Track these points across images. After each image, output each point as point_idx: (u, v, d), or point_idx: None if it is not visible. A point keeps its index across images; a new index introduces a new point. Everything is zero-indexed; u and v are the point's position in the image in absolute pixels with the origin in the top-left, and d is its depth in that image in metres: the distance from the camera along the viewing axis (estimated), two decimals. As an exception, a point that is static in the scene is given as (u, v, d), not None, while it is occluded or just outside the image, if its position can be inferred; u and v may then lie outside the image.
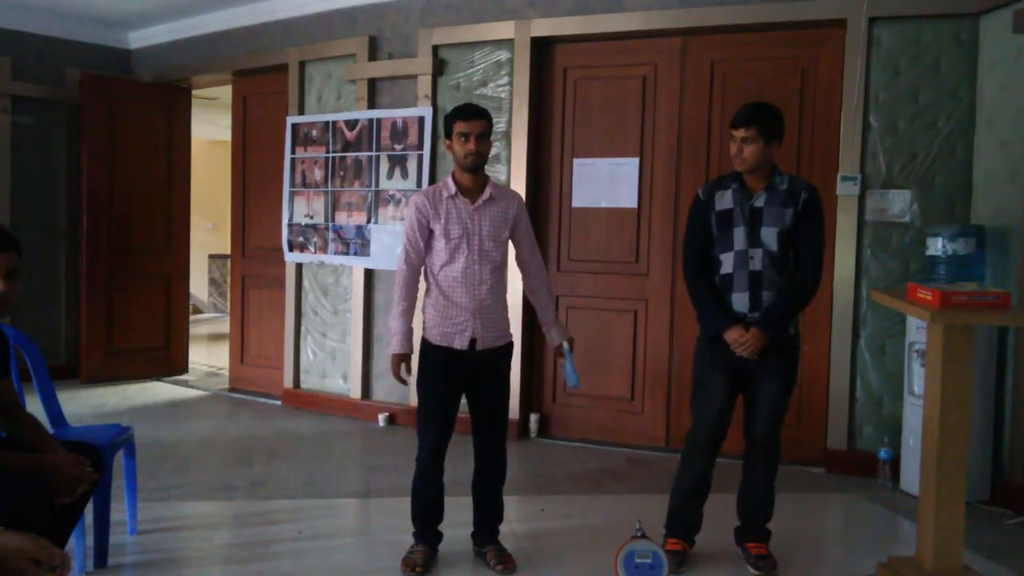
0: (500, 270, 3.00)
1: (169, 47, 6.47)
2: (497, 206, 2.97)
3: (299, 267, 5.66)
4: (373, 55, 5.31)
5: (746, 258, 2.91)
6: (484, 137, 2.92)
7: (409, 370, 2.97)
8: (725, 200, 2.96)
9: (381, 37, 5.30)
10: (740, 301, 2.91)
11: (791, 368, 2.98)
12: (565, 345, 3.07)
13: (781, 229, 2.88)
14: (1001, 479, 3.82)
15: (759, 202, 2.91)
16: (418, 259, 2.99)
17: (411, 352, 2.98)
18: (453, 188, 2.94)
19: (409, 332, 2.96)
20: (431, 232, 2.94)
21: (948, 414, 2.62)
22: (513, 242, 3.06)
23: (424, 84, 5.08)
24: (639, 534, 2.84)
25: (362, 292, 5.33)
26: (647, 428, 4.77)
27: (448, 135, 2.95)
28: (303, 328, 5.66)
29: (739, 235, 2.92)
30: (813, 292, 2.93)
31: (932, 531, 2.64)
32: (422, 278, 3.01)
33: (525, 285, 3.15)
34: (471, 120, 2.90)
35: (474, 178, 2.95)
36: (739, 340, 2.86)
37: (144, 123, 6.43)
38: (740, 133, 2.88)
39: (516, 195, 3.09)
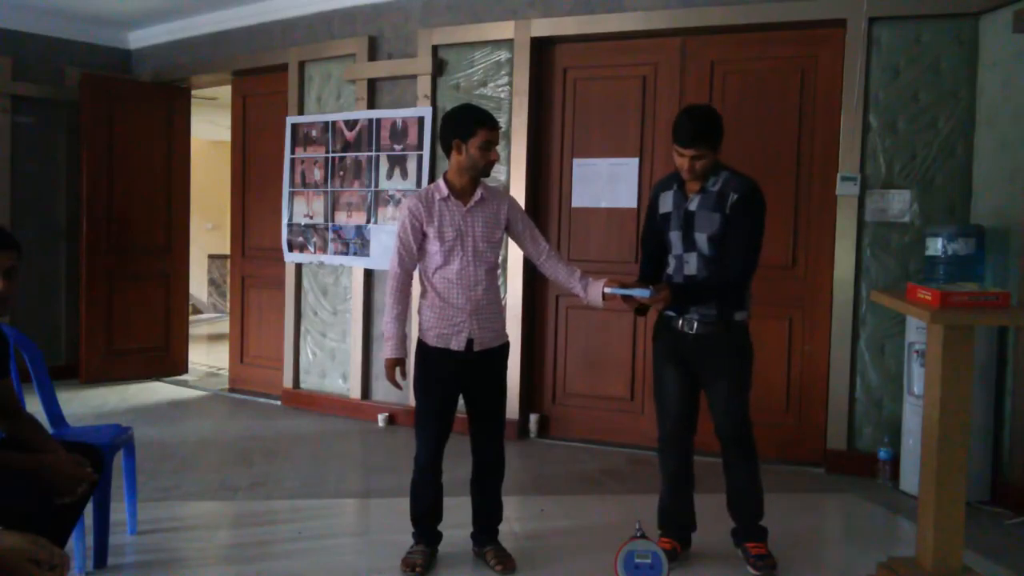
0: (495, 270, 3.01)
1: (169, 47, 6.47)
2: (489, 207, 2.97)
3: (299, 267, 5.66)
4: (373, 55, 5.31)
5: (681, 262, 2.95)
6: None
7: (404, 374, 2.98)
8: (666, 202, 3.00)
9: (381, 37, 5.30)
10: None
11: (740, 369, 2.96)
12: (607, 290, 2.90)
13: (710, 234, 2.87)
14: (1001, 479, 3.82)
15: (692, 206, 2.92)
16: (411, 263, 2.98)
17: (406, 356, 2.99)
18: (445, 191, 2.94)
19: (404, 336, 2.97)
20: (424, 235, 2.94)
21: (948, 414, 2.62)
22: (515, 240, 3.06)
23: (424, 84, 5.08)
24: (639, 534, 2.84)
25: (361, 292, 5.33)
26: (647, 428, 4.75)
27: (463, 137, 2.89)
28: (303, 328, 5.66)
29: (675, 239, 2.96)
30: (738, 285, 2.89)
31: (932, 531, 2.63)
32: (417, 281, 3.01)
33: (545, 272, 3.11)
34: (496, 129, 2.92)
35: (470, 181, 2.95)
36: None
37: (144, 123, 6.43)
38: (689, 152, 2.82)
39: (506, 195, 3.11)
